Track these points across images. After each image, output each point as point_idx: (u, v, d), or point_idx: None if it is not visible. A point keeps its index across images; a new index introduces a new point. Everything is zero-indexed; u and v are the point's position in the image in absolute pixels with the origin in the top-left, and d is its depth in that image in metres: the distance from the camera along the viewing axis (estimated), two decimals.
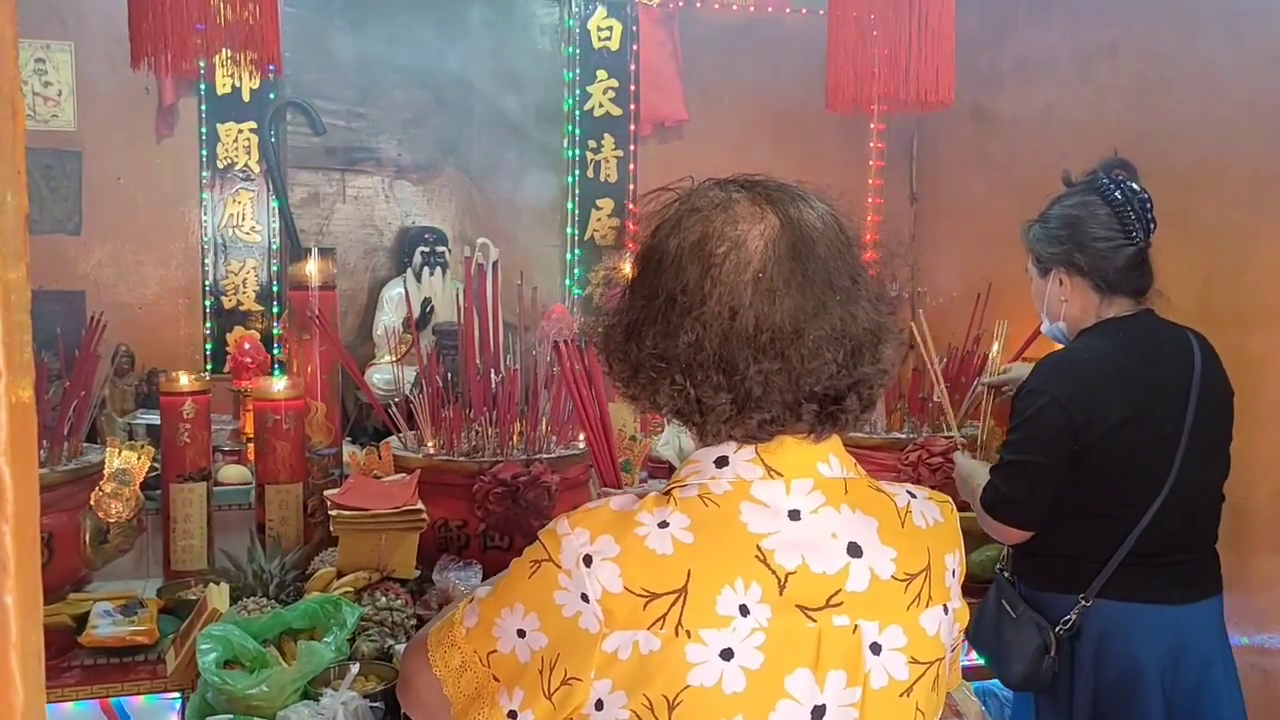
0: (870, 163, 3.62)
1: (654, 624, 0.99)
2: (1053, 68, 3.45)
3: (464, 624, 1.09)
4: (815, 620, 1.02)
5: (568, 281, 3.94)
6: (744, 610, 1.00)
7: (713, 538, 1.02)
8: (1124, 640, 2.13)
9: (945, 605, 1.10)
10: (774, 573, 1.02)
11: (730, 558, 1.01)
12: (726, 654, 1.00)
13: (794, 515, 1.04)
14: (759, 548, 1.02)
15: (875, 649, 1.05)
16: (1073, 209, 2.22)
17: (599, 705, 1.02)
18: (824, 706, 1.03)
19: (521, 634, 1.04)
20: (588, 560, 1.01)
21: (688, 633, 0.99)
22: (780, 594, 1.01)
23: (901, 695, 1.06)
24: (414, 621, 2.24)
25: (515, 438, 2.67)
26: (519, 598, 1.05)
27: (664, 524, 1.02)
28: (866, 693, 1.04)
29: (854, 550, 1.05)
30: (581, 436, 2.78)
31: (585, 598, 1.01)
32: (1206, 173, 2.77)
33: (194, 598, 2.34)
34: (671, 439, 2.89)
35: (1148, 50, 3.09)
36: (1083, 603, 2.13)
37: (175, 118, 3.79)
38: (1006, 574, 2.33)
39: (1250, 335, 2.61)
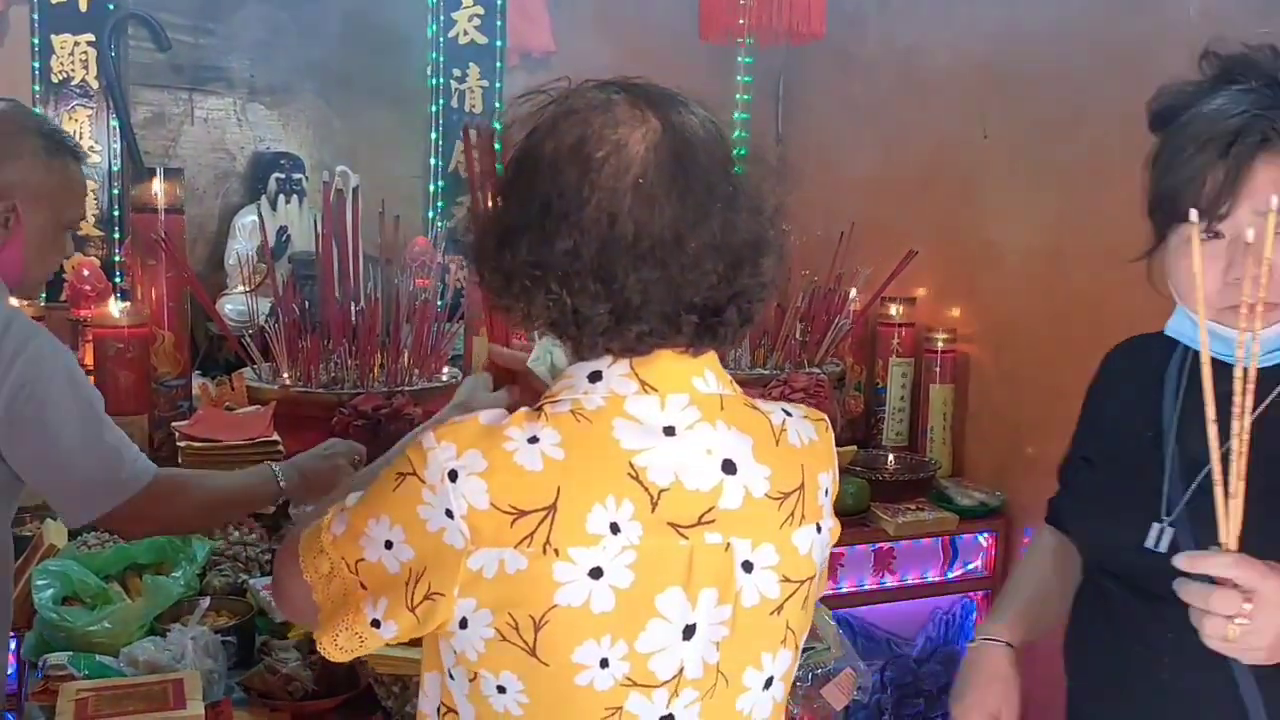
0: (736, 95, 3.60)
1: (521, 542, 0.97)
2: (915, 10, 3.48)
3: (331, 530, 1.05)
4: (687, 538, 1.01)
5: (430, 213, 3.83)
6: (615, 528, 0.99)
7: (584, 454, 0.99)
8: None
9: (818, 524, 1.11)
10: (646, 490, 1.00)
11: (602, 475, 0.99)
12: (595, 573, 0.98)
13: (669, 431, 1.03)
14: (631, 465, 1.00)
15: (747, 567, 1.04)
16: None
17: (463, 624, 1.00)
18: (695, 625, 1.02)
19: (389, 545, 1.01)
20: (453, 475, 0.98)
21: (555, 551, 0.97)
22: (652, 511, 1.00)
23: (772, 614, 1.07)
24: (268, 556, 2.18)
25: (376, 370, 2.60)
26: (385, 510, 1.02)
27: (534, 439, 0.99)
28: (737, 610, 1.04)
29: (728, 467, 1.04)
30: (445, 369, 2.73)
31: (450, 514, 0.98)
32: (1062, 116, 2.85)
33: (29, 534, 2.22)
34: (543, 355, 2.84)
35: None
36: None
37: (5, 27, 3.51)
38: None
39: (1100, 275, 2.69)
